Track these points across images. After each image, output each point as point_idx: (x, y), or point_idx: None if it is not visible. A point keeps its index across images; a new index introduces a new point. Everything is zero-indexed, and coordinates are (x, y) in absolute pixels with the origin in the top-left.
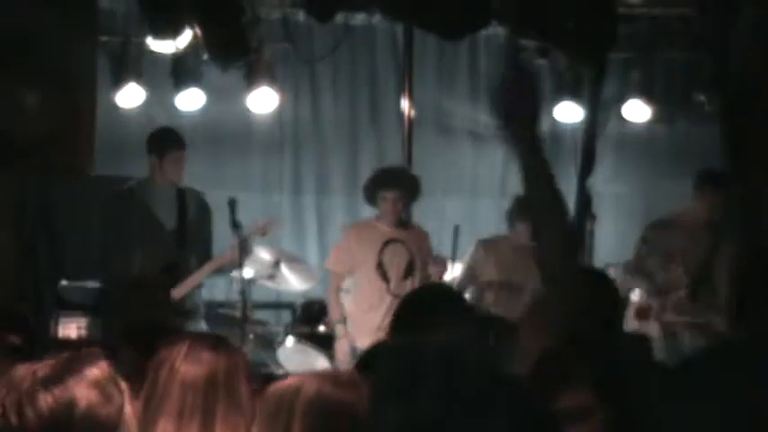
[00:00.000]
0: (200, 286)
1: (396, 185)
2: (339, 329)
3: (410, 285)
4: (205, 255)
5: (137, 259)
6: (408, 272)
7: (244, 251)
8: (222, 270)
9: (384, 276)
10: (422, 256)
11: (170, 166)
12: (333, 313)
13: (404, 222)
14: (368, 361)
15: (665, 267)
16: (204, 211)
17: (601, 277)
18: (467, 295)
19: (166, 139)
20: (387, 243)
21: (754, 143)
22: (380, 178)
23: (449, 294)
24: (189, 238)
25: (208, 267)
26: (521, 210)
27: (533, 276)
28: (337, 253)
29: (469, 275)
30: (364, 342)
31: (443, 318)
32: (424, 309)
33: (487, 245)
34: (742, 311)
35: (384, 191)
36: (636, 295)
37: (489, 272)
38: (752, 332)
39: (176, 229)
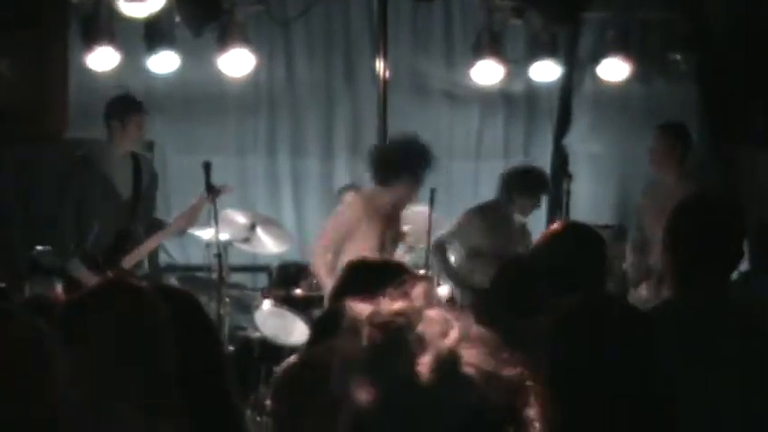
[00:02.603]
0: (156, 253)
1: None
2: None
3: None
4: (151, 221)
5: (93, 230)
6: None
7: (193, 219)
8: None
9: (382, 248)
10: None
11: (133, 133)
12: None
13: None
14: (326, 326)
15: None
16: (154, 177)
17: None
18: (449, 255)
19: (130, 104)
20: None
21: (730, 102)
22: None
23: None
24: (141, 206)
25: (158, 237)
26: (523, 185)
27: (521, 246)
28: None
29: (457, 236)
30: None
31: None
32: (372, 277)
33: (482, 213)
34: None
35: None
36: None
37: (478, 239)
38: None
39: (132, 197)
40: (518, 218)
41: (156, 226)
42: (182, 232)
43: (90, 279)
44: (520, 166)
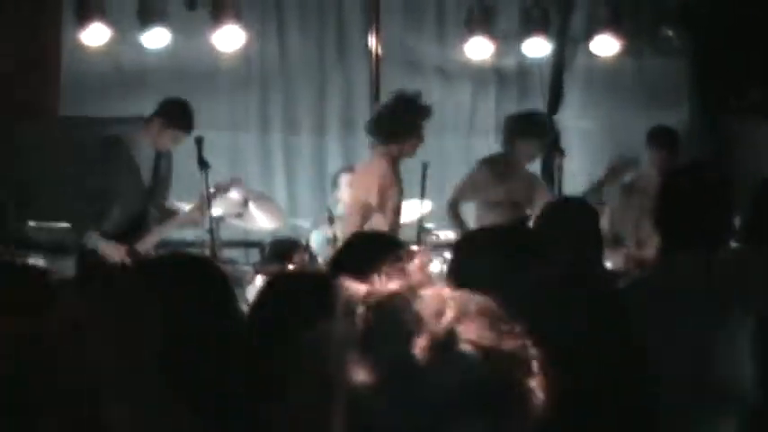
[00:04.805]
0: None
1: None
2: None
3: None
4: (163, 208)
5: (114, 213)
6: None
7: (206, 209)
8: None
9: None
10: None
11: (167, 140)
12: None
13: None
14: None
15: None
16: (171, 165)
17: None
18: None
19: (186, 118)
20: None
21: (722, 74)
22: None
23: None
24: (158, 191)
25: (172, 225)
26: (522, 129)
27: (533, 197)
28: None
29: (469, 190)
30: None
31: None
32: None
33: (491, 164)
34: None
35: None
36: None
37: (494, 191)
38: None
39: (151, 185)
40: (524, 166)
41: (168, 213)
42: (194, 224)
43: (110, 251)
44: (521, 111)
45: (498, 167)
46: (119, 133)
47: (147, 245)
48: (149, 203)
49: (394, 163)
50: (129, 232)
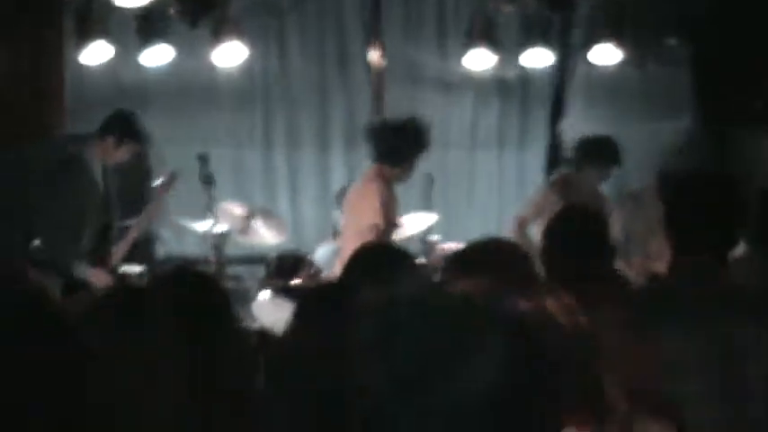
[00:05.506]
0: (152, 246)
1: None
2: None
3: None
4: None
5: (86, 229)
6: None
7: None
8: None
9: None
10: None
11: (123, 154)
12: None
13: None
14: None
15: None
16: (127, 178)
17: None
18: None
19: (137, 130)
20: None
21: (726, 86)
22: None
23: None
24: (113, 203)
25: (135, 230)
26: (590, 156)
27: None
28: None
29: (536, 210)
30: None
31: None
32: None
33: (561, 185)
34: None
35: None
36: None
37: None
38: None
39: (104, 196)
40: (590, 186)
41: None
42: (151, 223)
43: (98, 278)
44: (591, 136)
45: (567, 188)
46: (78, 151)
47: (119, 255)
48: (109, 214)
49: (388, 183)
50: (97, 249)
